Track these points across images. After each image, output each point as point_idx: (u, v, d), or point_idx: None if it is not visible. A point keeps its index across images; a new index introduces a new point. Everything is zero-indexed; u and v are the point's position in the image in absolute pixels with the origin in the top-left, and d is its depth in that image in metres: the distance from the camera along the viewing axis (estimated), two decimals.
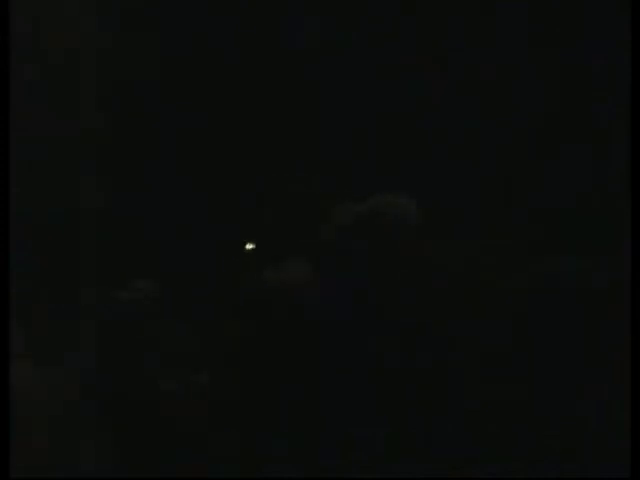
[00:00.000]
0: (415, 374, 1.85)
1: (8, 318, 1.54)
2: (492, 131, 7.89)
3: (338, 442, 1.84)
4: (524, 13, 7.88)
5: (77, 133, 6.20)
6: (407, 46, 8.23)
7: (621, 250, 2.28)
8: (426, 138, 7.95)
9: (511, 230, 6.10)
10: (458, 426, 1.74)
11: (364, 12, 8.11)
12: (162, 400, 2.25)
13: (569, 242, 4.04)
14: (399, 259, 2.32)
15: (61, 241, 5.70)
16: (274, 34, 7.79)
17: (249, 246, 7.72)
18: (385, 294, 2.16)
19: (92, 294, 2.90)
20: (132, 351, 2.33)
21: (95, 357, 2.37)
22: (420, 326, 2.02)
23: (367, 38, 8.21)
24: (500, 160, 7.56)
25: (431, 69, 8.01)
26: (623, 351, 1.92)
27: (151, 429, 2.09)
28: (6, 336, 1.40)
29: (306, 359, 2.06)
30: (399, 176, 8.38)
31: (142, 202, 6.88)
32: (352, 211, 2.93)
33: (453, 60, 8.23)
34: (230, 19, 7.56)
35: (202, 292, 4.45)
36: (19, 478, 1.38)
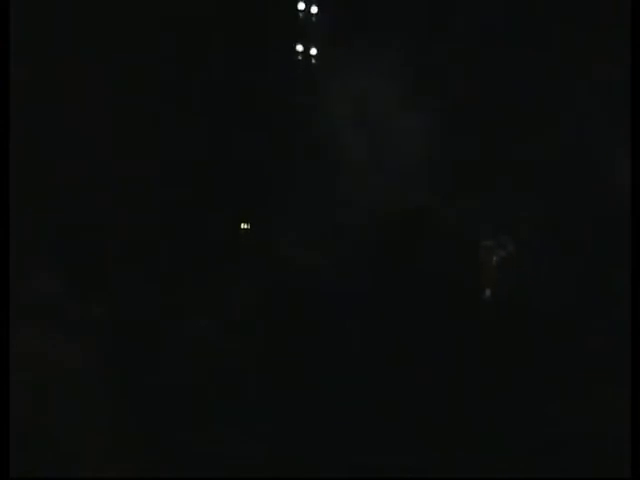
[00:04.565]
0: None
1: (8, 316, 1.54)
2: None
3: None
4: (524, 12, 7.89)
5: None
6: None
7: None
8: None
9: None
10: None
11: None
12: None
13: None
14: None
15: None
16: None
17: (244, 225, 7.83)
18: None
19: None
20: None
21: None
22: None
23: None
24: None
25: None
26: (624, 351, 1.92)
27: None
28: (7, 335, 1.40)
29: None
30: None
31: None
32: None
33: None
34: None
35: None
36: (19, 478, 1.37)
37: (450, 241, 1.87)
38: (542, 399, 1.82)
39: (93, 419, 1.40)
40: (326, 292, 2.03)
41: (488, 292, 3.28)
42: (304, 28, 9.54)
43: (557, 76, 7.53)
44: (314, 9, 9.79)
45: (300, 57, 9.53)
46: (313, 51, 9.88)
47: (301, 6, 9.74)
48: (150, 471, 1.50)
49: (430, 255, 1.83)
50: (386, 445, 1.73)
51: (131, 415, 1.49)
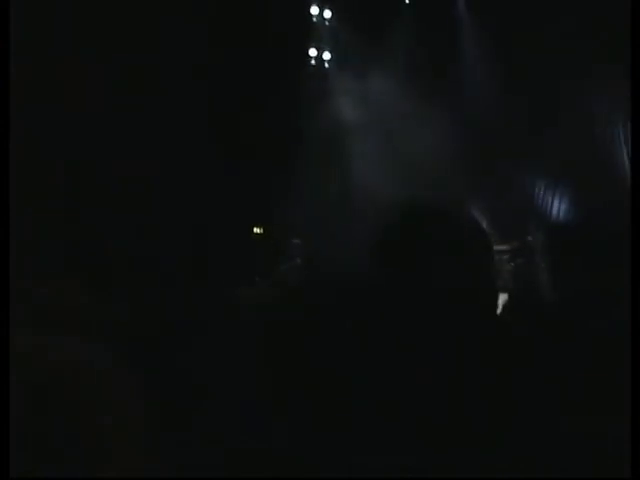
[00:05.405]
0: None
1: (8, 316, 1.54)
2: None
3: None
4: (525, 13, 7.91)
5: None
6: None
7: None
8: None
9: None
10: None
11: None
12: None
13: None
14: None
15: None
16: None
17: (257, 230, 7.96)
18: None
19: None
20: None
21: None
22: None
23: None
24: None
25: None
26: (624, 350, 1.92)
27: None
28: (7, 333, 1.40)
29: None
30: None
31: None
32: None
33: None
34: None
35: None
36: (19, 478, 1.37)
37: (463, 240, 1.87)
38: (542, 399, 1.82)
39: (93, 419, 1.40)
40: (328, 290, 2.03)
41: (489, 292, 3.28)
42: (317, 32, 9.60)
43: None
44: (327, 13, 9.81)
45: (313, 61, 9.58)
46: (326, 55, 9.93)
47: (314, 10, 9.77)
48: (150, 471, 1.50)
49: (442, 254, 1.83)
50: (386, 445, 1.73)
51: (130, 414, 1.49)
